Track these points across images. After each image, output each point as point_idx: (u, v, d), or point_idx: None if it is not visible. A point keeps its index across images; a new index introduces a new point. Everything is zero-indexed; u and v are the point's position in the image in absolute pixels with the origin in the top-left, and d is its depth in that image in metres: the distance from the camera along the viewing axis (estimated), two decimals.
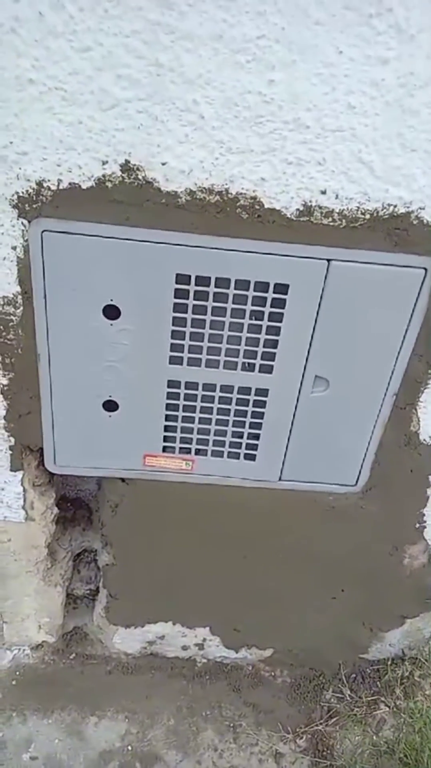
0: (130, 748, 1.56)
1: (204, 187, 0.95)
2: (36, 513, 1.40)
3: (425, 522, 1.43)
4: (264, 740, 1.62)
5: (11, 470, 1.31)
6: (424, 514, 1.42)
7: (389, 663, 1.74)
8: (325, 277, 1.04)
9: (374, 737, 1.63)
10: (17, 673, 1.67)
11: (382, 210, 0.97)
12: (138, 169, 0.94)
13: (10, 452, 1.28)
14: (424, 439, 1.28)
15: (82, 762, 1.52)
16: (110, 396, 1.18)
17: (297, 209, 0.97)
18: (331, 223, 0.99)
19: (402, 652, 1.74)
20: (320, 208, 0.97)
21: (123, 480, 1.35)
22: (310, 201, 0.96)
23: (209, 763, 1.56)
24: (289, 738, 1.63)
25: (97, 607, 1.66)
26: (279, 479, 1.32)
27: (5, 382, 1.17)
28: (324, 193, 0.96)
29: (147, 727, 1.61)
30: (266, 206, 0.97)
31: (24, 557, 1.48)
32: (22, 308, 1.07)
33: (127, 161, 0.93)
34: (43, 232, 0.99)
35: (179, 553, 1.47)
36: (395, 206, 0.97)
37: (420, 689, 1.71)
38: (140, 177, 0.94)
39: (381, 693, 1.71)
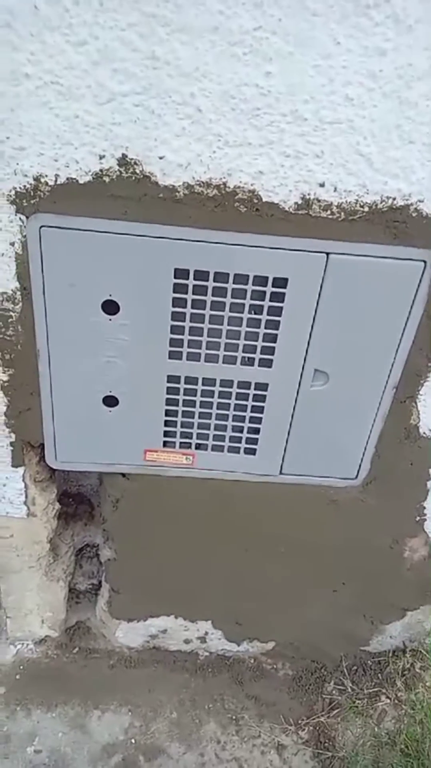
0: (133, 741, 1.57)
1: (202, 181, 0.95)
2: (38, 509, 1.40)
3: (425, 515, 1.43)
4: (266, 732, 1.63)
5: (12, 466, 1.31)
6: (425, 507, 1.42)
7: (390, 655, 1.75)
8: (324, 271, 1.04)
9: (375, 729, 1.64)
10: (21, 667, 1.68)
11: (381, 202, 0.97)
12: (135, 163, 0.93)
13: (11, 448, 1.28)
14: (424, 432, 1.28)
15: (85, 755, 1.53)
16: (110, 391, 1.18)
17: (296, 202, 0.97)
18: (330, 216, 0.98)
19: (403, 644, 1.75)
20: (318, 201, 0.97)
21: (124, 475, 1.35)
22: (309, 194, 0.96)
23: (212, 756, 1.57)
24: (291, 730, 1.64)
25: (99, 601, 1.67)
26: (280, 473, 1.32)
27: (5, 378, 1.17)
28: (322, 185, 0.95)
29: (150, 720, 1.62)
30: (264, 200, 0.96)
31: (26, 552, 1.48)
32: (20, 304, 1.07)
33: (125, 155, 0.93)
34: (41, 227, 0.99)
35: (180, 547, 1.47)
36: (394, 198, 0.97)
37: (421, 681, 1.72)
38: (137, 171, 0.94)
39: (383, 685, 1.72)
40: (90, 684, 1.66)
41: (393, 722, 1.66)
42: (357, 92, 0.88)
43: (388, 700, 1.70)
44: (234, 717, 1.65)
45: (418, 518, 1.44)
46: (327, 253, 1.02)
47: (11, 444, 1.26)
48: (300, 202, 0.97)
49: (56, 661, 1.71)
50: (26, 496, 1.36)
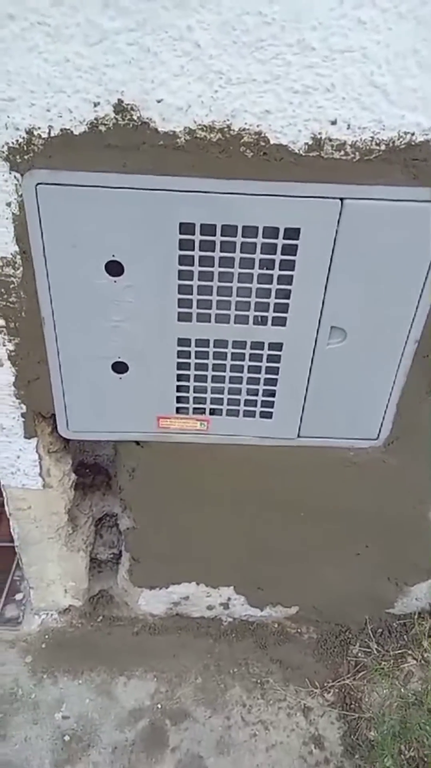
0: (159, 706, 1.58)
1: (204, 125, 0.88)
2: (53, 480, 1.39)
3: None
4: (292, 695, 1.63)
5: (25, 437, 1.29)
6: None
7: (416, 617, 1.72)
8: (339, 218, 0.98)
9: (402, 690, 1.63)
10: (46, 636, 1.70)
11: (398, 139, 0.90)
12: (132, 108, 0.87)
13: (23, 419, 1.25)
14: None
15: (113, 720, 1.55)
16: (119, 357, 1.15)
17: (306, 143, 0.90)
18: (343, 157, 0.91)
19: (429, 606, 1.72)
20: (330, 140, 0.90)
21: (138, 443, 1.32)
22: (320, 133, 0.89)
23: (238, 718, 1.58)
24: (317, 692, 1.63)
25: (120, 570, 1.66)
26: (298, 436, 1.28)
27: (11, 347, 1.13)
28: (334, 123, 0.88)
29: (175, 686, 1.62)
30: (272, 142, 0.90)
31: (45, 524, 1.48)
32: (21, 269, 1.03)
33: (120, 101, 0.87)
34: (37, 185, 0.94)
35: (199, 514, 1.45)
36: (412, 134, 0.89)
37: None
38: (135, 118, 0.88)
39: (408, 646, 1.71)
40: (115, 651, 1.68)
41: (420, 683, 1.65)
42: (369, 14, 0.80)
43: (414, 661, 1.69)
44: (259, 681, 1.65)
45: None
46: (342, 199, 0.96)
47: (22, 415, 1.24)
48: (310, 142, 0.90)
49: (81, 630, 1.72)
50: (41, 468, 1.34)
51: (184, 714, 1.58)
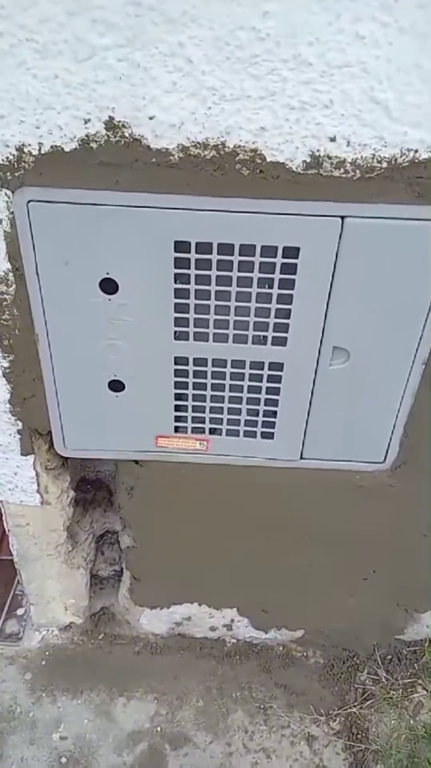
0: (159, 729, 1.54)
1: (197, 142, 0.86)
2: (51, 497, 1.37)
3: None
4: (296, 722, 1.58)
5: (22, 454, 1.27)
6: None
7: (426, 644, 1.66)
8: (340, 237, 0.94)
9: (411, 721, 1.57)
10: (46, 653, 1.68)
11: (401, 156, 0.86)
12: (123, 125, 0.85)
13: (19, 436, 1.24)
14: None
15: (111, 742, 1.51)
16: (115, 375, 1.12)
17: (304, 161, 0.87)
18: (343, 175, 0.88)
19: None
20: (329, 158, 0.86)
21: (137, 462, 1.29)
22: (318, 150, 0.86)
23: (239, 745, 1.53)
24: (322, 720, 1.58)
25: (121, 588, 1.64)
26: (301, 458, 1.24)
27: (6, 364, 1.12)
28: (333, 140, 0.85)
29: (176, 708, 1.59)
30: (268, 159, 0.87)
31: (43, 541, 1.46)
32: (14, 286, 1.01)
33: (111, 117, 0.84)
34: (28, 202, 0.92)
35: (199, 534, 1.42)
36: (416, 151, 0.85)
37: None
38: (126, 134, 0.85)
39: (418, 675, 1.64)
40: (115, 671, 1.65)
41: (430, 715, 1.58)
42: (369, 29, 0.76)
43: (425, 692, 1.62)
44: (262, 706, 1.61)
45: None
46: (342, 217, 0.92)
47: (18, 432, 1.22)
48: (308, 160, 0.86)
49: (81, 647, 1.70)
50: (38, 485, 1.33)
51: (184, 738, 1.54)
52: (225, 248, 0.96)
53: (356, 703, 1.61)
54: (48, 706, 1.57)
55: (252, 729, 1.57)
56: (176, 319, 1.04)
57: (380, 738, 1.55)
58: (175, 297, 1.01)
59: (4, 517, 1.43)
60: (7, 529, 1.45)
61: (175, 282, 0.99)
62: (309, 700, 1.63)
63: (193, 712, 1.59)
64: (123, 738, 1.53)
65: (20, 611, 1.74)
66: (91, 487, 1.60)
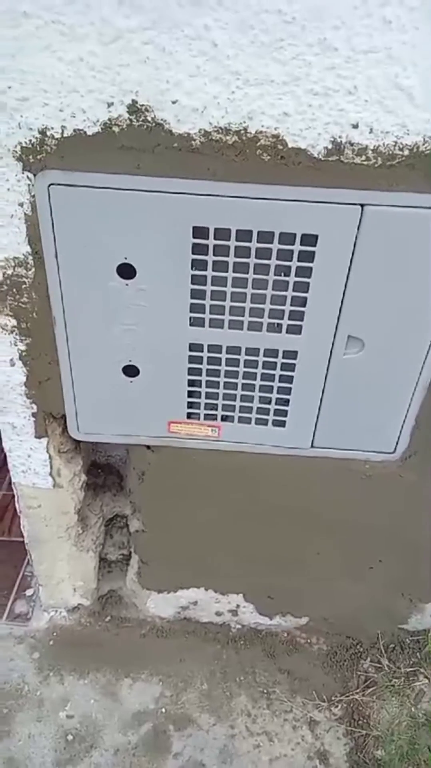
0: (163, 710, 1.57)
1: (220, 127, 0.86)
2: (63, 480, 1.38)
3: None
4: (298, 707, 1.60)
5: (36, 437, 1.28)
6: None
7: (429, 634, 1.67)
8: (359, 225, 0.94)
9: (412, 709, 1.59)
10: (54, 633, 1.70)
11: (424, 144, 0.85)
12: (146, 109, 0.85)
13: (34, 419, 1.25)
14: None
15: (116, 722, 1.54)
16: (130, 360, 1.13)
17: (326, 147, 0.86)
18: (365, 162, 0.88)
19: None
20: (351, 144, 0.86)
21: (148, 447, 1.30)
22: (340, 137, 0.85)
23: (242, 728, 1.56)
24: (324, 706, 1.60)
25: (129, 572, 1.66)
26: (311, 446, 1.24)
27: (23, 347, 1.13)
28: (356, 127, 0.84)
29: (180, 691, 1.61)
30: (290, 145, 0.86)
31: (54, 523, 1.47)
32: (33, 269, 1.02)
33: (134, 101, 0.84)
34: (49, 185, 0.92)
35: (208, 520, 1.43)
36: None
37: None
38: (149, 119, 0.86)
39: (421, 664, 1.66)
40: (122, 652, 1.67)
41: None
42: (395, 13, 0.76)
43: (426, 680, 1.64)
44: (265, 691, 1.63)
45: None
46: (362, 205, 0.92)
47: (33, 415, 1.24)
48: (330, 146, 0.86)
49: (89, 629, 1.72)
50: (51, 467, 1.34)
51: (187, 720, 1.56)
52: (244, 235, 0.96)
53: (358, 690, 1.63)
54: (55, 685, 1.60)
55: (255, 713, 1.59)
56: (192, 305, 1.04)
57: (381, 724, 1.57)
58: (192, 283, 1.02)
59: (16, 499, 1.44)
60: (19, 511, 1.47)
61: (192, 268, 1.00)
62: (312, 685, 1.65)
63: (197, 695, 1.61)
64: (128, 718, 1.55)
65: (29, 592, 1.77)
66: (102, 471, 1.61)
